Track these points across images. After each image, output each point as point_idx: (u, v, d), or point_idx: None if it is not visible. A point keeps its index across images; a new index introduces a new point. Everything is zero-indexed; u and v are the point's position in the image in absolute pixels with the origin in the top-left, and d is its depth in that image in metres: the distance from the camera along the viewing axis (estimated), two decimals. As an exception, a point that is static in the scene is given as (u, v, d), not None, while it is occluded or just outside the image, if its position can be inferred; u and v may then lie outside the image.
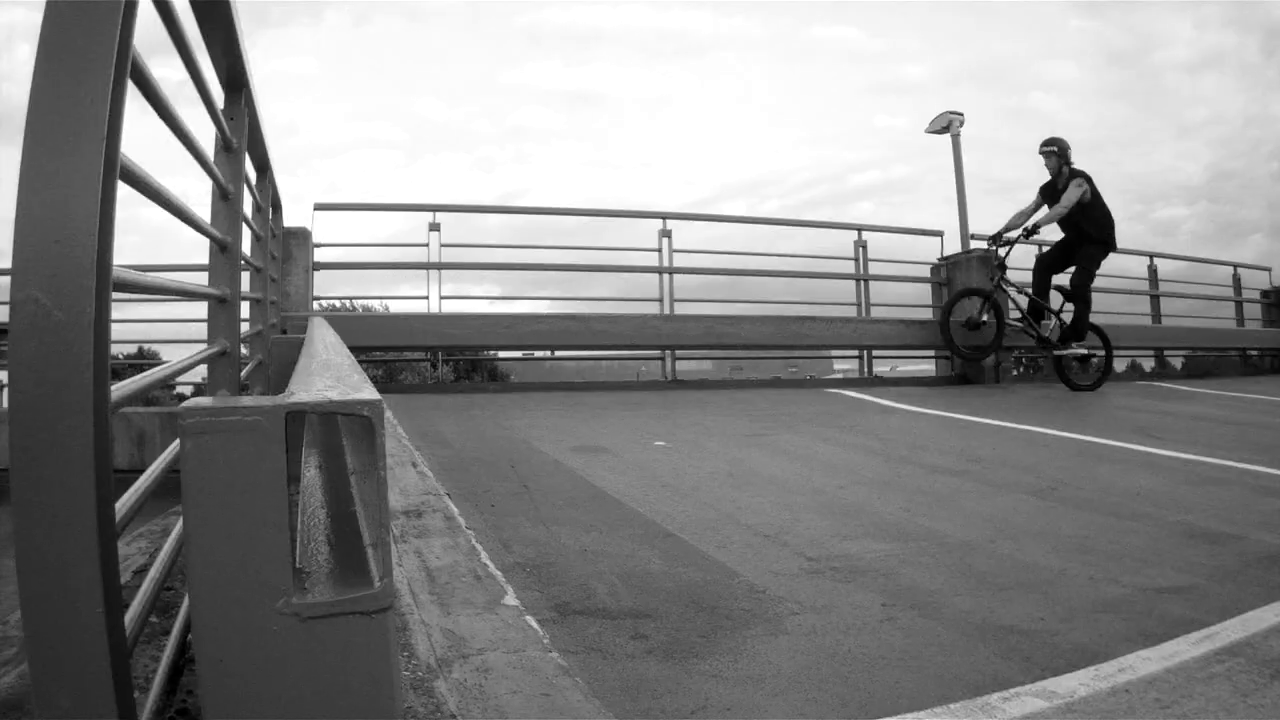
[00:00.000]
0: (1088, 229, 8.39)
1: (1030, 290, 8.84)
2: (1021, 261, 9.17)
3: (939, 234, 10.12)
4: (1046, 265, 8.79)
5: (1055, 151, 8.49)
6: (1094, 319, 8.83)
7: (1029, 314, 8.78)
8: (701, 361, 14.30)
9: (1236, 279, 12.99)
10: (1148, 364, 12.59)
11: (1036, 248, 9.27)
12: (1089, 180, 8.36)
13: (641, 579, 2.67)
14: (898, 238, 10.39)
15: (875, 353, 9.67)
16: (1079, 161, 8.51)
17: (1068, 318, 8.64)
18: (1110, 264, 11.78)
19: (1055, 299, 8.76)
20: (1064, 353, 8.70)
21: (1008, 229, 8.62)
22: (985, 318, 8.64)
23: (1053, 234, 8.80)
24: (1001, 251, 8.60)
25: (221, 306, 2.59)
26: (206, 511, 1.02)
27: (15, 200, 0.97)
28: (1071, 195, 8.27)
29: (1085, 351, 8.77)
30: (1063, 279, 8.74)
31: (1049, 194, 8.52)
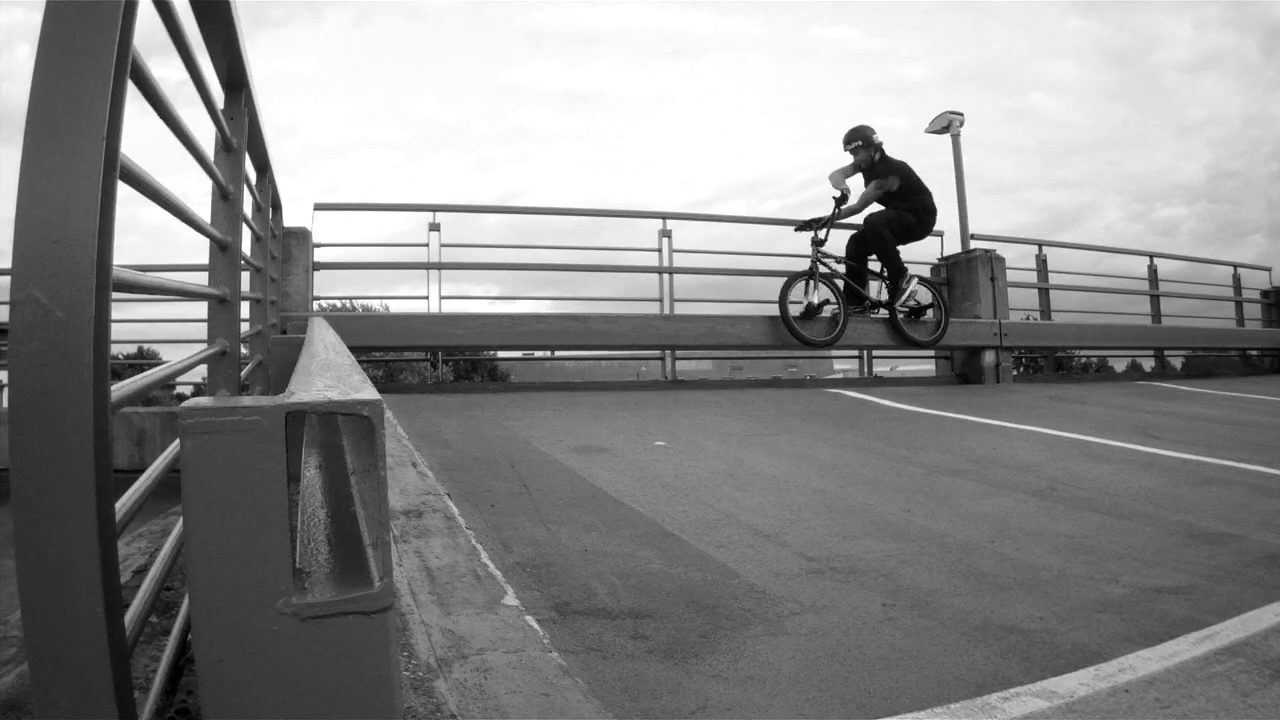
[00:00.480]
0: (895, 203, 8.41)
1: (847, 258, 8.67)
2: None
3: (939, 234, 10.12)
4: (859, 235, 8.65)
5: (862, 144, 8.43)
6: (922, 274, 8.83)
7: (852, 281, 8.60)
8: (701, 361, 14.31)
9: (1236, 279, 12.99)
10: (1148, 364, 12.59)
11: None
12: (901, 172, 8.37)
13: (641, 579, 2.67)
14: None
15: (875, 352, 9.67)
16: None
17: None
18: (1111, 264, 11.76)
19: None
20: (899, 301, 8.56)
21: (836, 187, 8.43)
22: (814, 299, 8.31)
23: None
24: (821, 233, 8.39)
25: (221, 306, 2.59)
26: (206, 511, 1.02)
27: (15, 200, 0.97)
28: (870, 193, 8.34)
29: (916, 292, 8.66)
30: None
31: (866, 169, 8.53)
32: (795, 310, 8.29)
